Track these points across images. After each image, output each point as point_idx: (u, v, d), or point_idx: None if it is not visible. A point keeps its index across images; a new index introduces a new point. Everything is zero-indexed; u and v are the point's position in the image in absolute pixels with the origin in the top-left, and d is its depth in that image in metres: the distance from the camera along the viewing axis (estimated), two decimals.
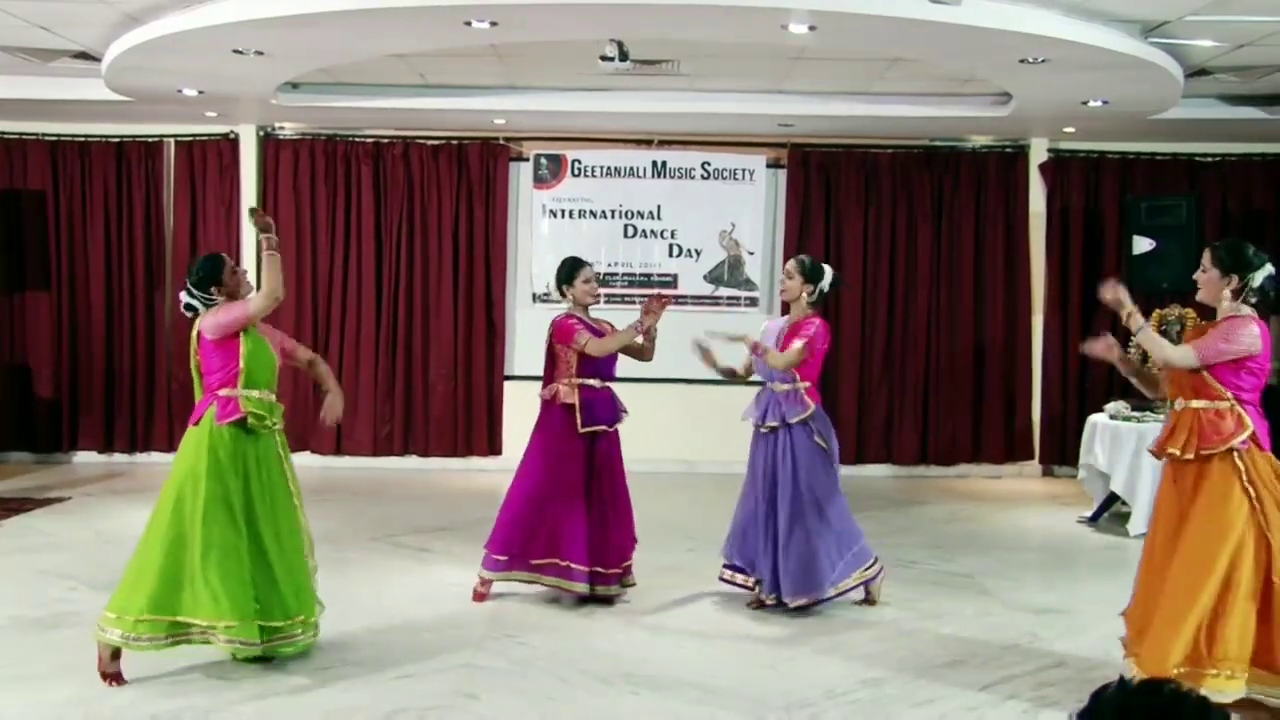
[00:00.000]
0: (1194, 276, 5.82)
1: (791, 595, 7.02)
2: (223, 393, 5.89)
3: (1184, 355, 5.65)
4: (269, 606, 5.82)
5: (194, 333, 6.00)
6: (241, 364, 5.93)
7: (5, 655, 6.28)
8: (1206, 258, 5.72)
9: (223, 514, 5.79)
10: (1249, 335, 5.57)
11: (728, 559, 7.42)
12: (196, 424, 5.92)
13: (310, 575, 6.15)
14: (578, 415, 7.10)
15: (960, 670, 6.24)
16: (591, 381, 7.18)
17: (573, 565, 7.06)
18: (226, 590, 5.68)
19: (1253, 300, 5.67)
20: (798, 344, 7.01)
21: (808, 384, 7.14)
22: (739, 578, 7.35)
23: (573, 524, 7.08)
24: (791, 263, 7.40)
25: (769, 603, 7.15)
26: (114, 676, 5.75)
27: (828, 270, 7.30)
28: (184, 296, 6.11)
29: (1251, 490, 5.47)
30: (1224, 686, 5.20)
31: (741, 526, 7.34)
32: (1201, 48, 9.06)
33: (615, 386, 7.36)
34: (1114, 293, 5.72)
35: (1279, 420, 6.21)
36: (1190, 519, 5.51)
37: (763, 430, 7.24)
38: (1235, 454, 5.52)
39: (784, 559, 7.04)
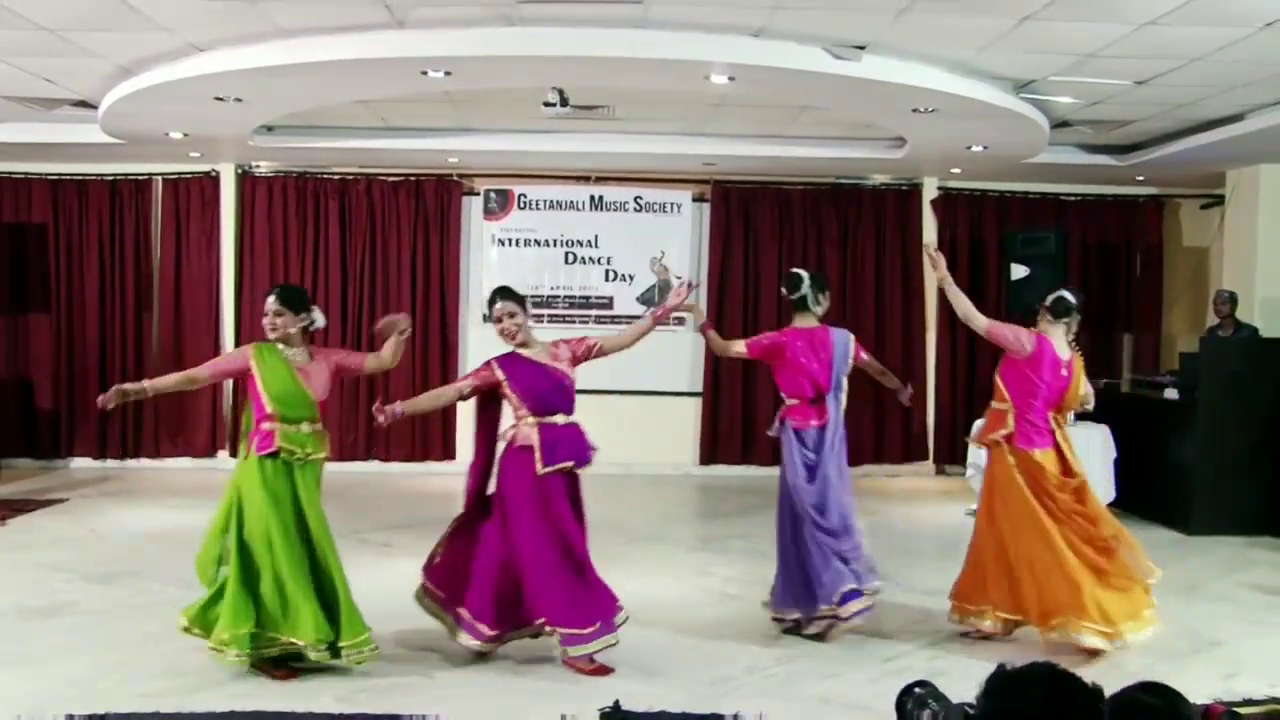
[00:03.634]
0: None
1: None
2: (265, 426, 5.70)
3: (976, 317, 6.51)
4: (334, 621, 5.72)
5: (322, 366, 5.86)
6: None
7: (8, 640, 6.23)
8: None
9: (280, 540, 5.66)
10: (1023, 336, 6.41)
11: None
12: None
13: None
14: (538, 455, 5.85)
15: (863, 647, 6.30)
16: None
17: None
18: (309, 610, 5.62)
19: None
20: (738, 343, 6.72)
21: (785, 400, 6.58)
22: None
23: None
24: None
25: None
26: (284, 675, 5.65)
27: (801, 279, 6.60)
28: (318, 315, 5.96)
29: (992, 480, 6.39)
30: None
31: None
32: (1062, 104, 9.23)
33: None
34: (935, 257, 6.54)
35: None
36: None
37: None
38: (997, 446, 6.38)
39: None
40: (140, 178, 12.31)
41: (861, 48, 7.70)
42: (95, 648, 6.09)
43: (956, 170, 12.05)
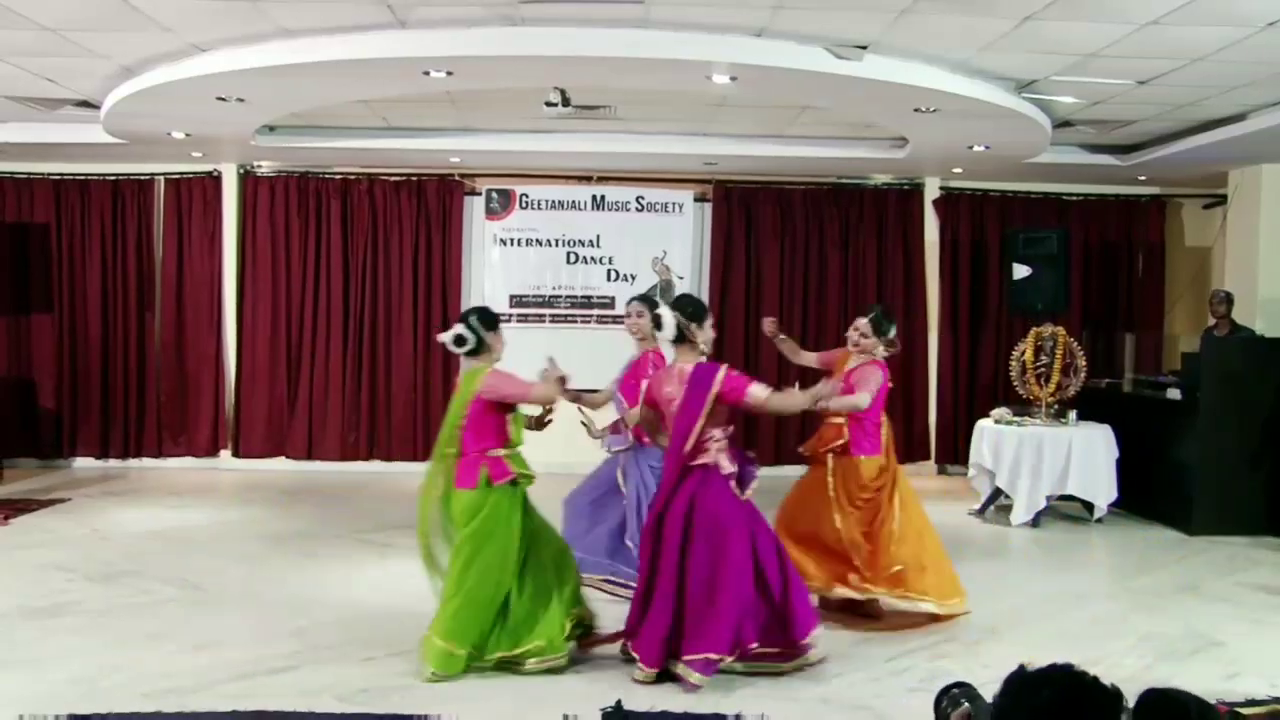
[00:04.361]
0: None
1: None
2: (491, 454, 5.72)
3: (860, 401, 6.71)
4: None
5: (470, 391, 5.75)
6: (510, 429, 5.80)
7: (10, 640, 6.22)
8: (866, 325, 6.97)
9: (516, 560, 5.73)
10: (880, 377, 6.89)
11: None
12: (474, 487, 5.72)
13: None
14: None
15: (866, 646, 6.31)
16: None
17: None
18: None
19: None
20: None
21: None
22: None
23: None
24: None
25: None
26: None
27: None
28: (463, 330, 5.83)
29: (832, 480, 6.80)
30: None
31: None
32: (1064, 103, 9.21)
33: None
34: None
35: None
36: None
37: None
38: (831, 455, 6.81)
39: None
40: (142, 178, 12.31)
41: (863, 47, 7.69)
42: (97, 648, 6.08)
43: (958, 170, 12.04)
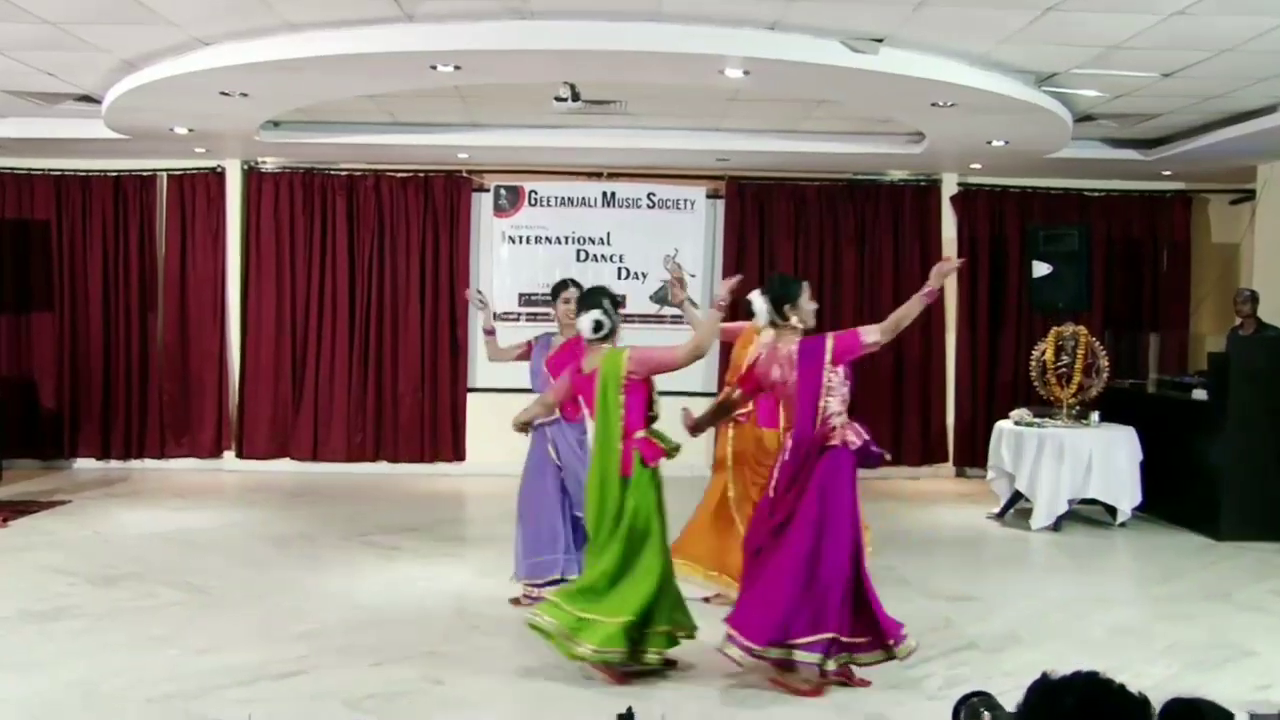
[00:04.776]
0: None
1: None
2: (639, 435, 5.70)
3: None
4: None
5: (618, 376, 5.67)
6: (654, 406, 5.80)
7: (11, 644, 6.24)
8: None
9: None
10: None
11: None
12: (630, 474, 5.67)
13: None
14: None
15: None
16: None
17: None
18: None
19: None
20: None
21: None
22: None
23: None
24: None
25: None
26: (621, 677, 5.67)
27: None
28: (600, 316, 5.83)
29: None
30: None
31: None
32: (1086, 97, 9.19)
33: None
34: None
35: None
36: None
37: None
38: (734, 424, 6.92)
39: None
40: (145, 174, 12.34)
41: (879, 40, 7.68)
42: (99, 651, 6.10)
43: (976, 166, 12.01)
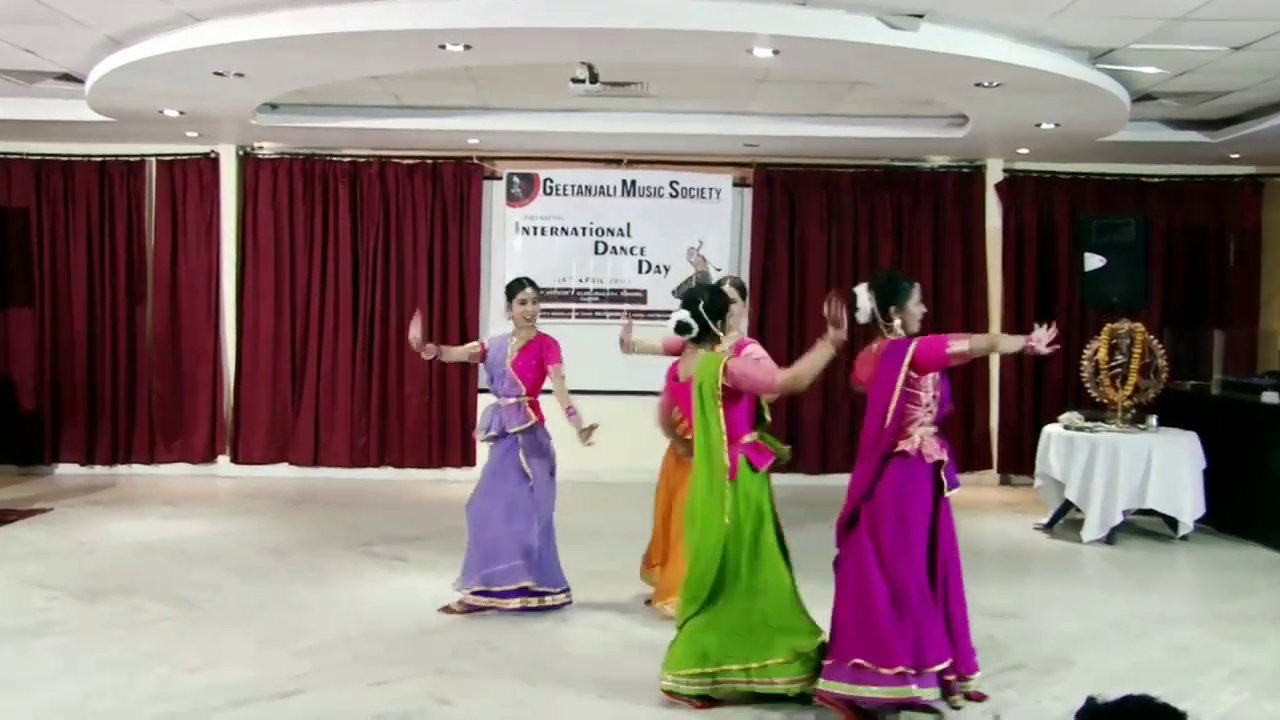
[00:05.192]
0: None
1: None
2: (747, 439, 5.72)
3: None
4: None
5: (715, 380, 5.63)
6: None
7: None
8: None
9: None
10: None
11: None
12: (736, 478, 5.66)
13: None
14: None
15: None
16: None
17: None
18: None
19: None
20: None
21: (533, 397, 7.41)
22: None
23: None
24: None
25: None
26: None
27: None
28: (684, 317, 5.85)
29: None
30: None
31: None
32: (1146, 74, 9.14)
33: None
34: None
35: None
36: None
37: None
38: None
39: None
40: (132, 159, 12.38)
41: (919, 16, 7.65)
42: (84, 670, 6.11)
43: (1024, 150, 11.97)
